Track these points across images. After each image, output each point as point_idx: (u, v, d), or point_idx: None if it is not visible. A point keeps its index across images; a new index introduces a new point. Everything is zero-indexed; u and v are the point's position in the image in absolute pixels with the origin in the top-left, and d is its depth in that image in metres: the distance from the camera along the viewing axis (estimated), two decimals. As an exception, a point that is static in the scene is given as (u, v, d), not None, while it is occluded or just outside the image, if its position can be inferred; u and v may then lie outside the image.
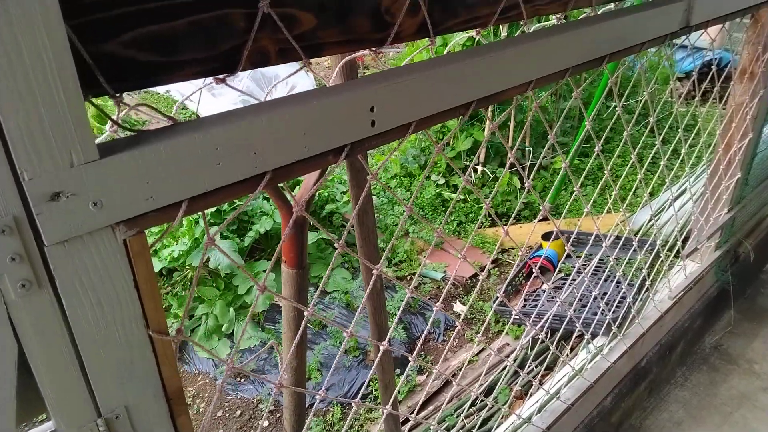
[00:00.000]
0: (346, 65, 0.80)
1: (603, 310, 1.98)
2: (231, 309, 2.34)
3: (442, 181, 3.39)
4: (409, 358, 0.99)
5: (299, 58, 0.62)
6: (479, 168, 3.41)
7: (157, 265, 2.42)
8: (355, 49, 0.72)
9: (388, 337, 1.04)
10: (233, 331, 2.34)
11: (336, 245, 0.70)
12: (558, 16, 1.04)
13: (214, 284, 2.46)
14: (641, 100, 4.01)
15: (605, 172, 1.28)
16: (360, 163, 0.92)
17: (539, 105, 1.09)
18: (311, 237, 2.68)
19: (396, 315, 1.42)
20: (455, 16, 0.82)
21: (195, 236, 2.40)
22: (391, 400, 1.09)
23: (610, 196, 3.40)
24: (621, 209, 1.38)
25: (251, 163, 0.54)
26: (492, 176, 3.39)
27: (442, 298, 1.30)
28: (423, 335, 2.34)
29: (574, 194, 3.10)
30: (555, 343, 2.12)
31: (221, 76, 0.57)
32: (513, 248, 3.07)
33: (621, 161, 3.92)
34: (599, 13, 1.04)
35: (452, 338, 2.17)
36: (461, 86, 0.75)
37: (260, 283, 0.62)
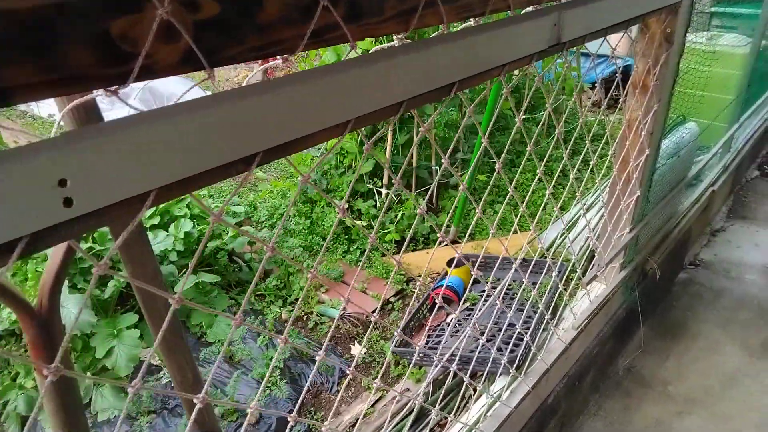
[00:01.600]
0: (77, 110, 0.63)
1: (503, 348, 1.89)
2: (88, 375, 2.07)
3: (345, 206, 3.25)
4: (288, 419, 0.83)
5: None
6: (383, 191, 3.30)
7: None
8: (74, 91, 0.54)
9: (205, 388, 0.87)
10: (91, 400, 2.06)
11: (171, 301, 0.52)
12: (399, 36, 0.92)
13: (71, 345, 2.17)
14: (545, 112, 4.08)
15: (509, 189, 1.18)
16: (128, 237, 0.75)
17: (438, 122, 0.96)
18: (191, 279, 2.45)
19: (271, 366, 1.24)
20: (240, 42, 0.66)
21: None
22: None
23: (518, 214, 3.39)
24: (531, 227, 1.30)
25: None
26: (398, 199, 3.29)
27: (325, 346, 1.14)
28: (307, 387, 2.16)
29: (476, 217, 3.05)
30: (462, 383, 2.00)
31: None
32: (420, 275, 2.96)
33: (531, 176, 3.95)
34: (448, 32, 0.93)
35: (343, 387, 2.00)
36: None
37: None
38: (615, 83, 1.97)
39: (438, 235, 3.09)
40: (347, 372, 2.26)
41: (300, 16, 0.71)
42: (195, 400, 0.67)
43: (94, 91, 0.61)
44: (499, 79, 1.03)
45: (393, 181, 3.28)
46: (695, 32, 3.89)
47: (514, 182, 1.40)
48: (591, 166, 2.50)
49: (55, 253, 0.73)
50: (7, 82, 0.48)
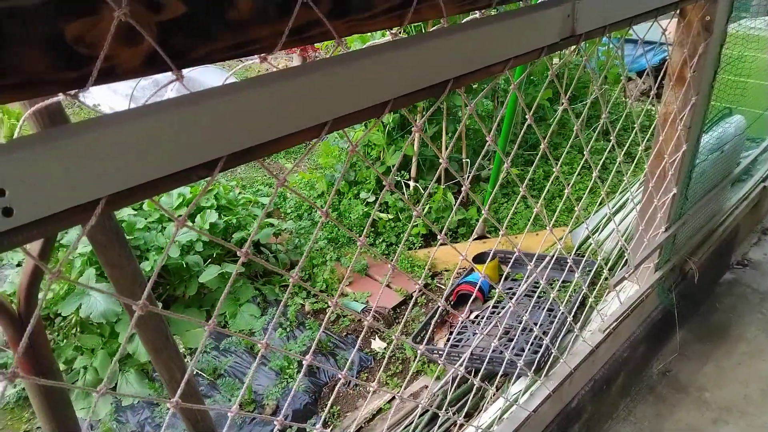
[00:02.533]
0: (39, 114, 0.63)
1: (525, 349, 1.85)
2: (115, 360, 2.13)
3: (372, 198, 3.24)
4: (275, 421, 0.83)
5: None
6: (411, 183, 3.27)
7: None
8: (30, 96, 0.54)
9: (180, 386, 0.88)
10: (116, 385, 2.14)
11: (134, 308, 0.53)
12: (393, 31, 0.89)
13: (98, 331, 2.25)
14: (588, 103, 3.95)
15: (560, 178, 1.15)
16: (101, 238, 0.76)
17: (475, 112, 0.94)
18: (215, 269, 2.49)
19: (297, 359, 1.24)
20: (211, 41, 0.65)
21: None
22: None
23: (555, 210, 3.30)
24: (570, 222, 1.26)
25: None
26: (426, 192, 3.26)
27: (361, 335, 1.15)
28: (332, 380, 2.16)
29: (510, 211, 2.99)
30: (480, 383, 1.98)
31: None
32: (447, 270, 2.93)
33: (569, 169, 3.84)
34: (441, 27, 0.89)
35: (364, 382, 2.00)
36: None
37: None
38: (663, 71, 1.88)
39: (476, 224, 3.05)
40: (371, 365, 2.25)
41: (277, 12, 0.70)
42: (168, 405, 0.67)
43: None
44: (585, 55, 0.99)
45: (417, 174, 3.25)
46: (754, 17, 3.69)
47: (553, 174, 1.35)
48: (635, 159, 2.40)
49: (31, 252, 0.75)
50: (-46, 88, 0.49)
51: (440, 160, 0.92)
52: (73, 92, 0.58)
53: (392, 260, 2.95)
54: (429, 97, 0.88)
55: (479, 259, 2.74)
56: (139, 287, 0.88)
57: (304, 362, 0.81)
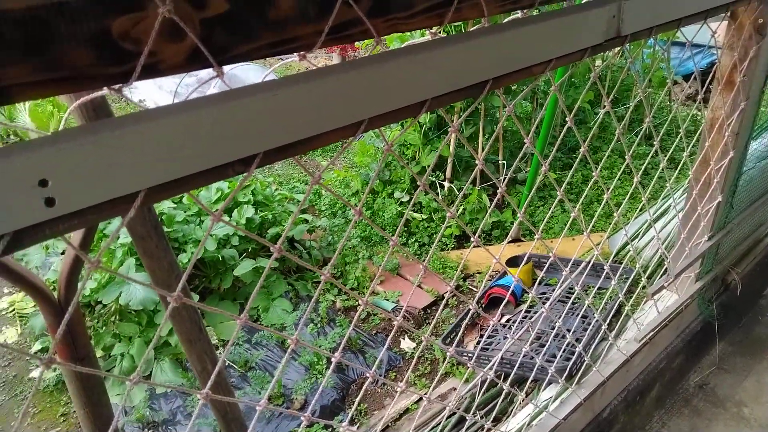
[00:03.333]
0: (84, 108, 0.65)
1: (556, 355, 1.81)
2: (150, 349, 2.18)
3: (406, 198, 3.23)
4: (302, 416, 0.84)
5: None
6: (446, 184, 3.25)
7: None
8: (74, 90, 0.56)
9: (211, 378, 0.89)
10: (151, 372, 2.19)
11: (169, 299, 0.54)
12: (433, 30, 0.89)
13: (136, 319, 2.31)
14: (631, 106, 3.85)
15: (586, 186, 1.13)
16: (140, 230, 0.77)
17: (513, 113, 0.94)
18: (250, 263, 2.52)
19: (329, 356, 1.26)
20: (252, 39, 0.66)
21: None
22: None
23: (592, 215, 3.23)
24: (609, 228, 1.24)
25: None
26: (460, 193, 3.23)
27: (390, 334, 1.15)
28: (363, 378, 2.16)
29: (546, 214, 2.94)
30: (510, 388, 1.96)
31: None
32: (480, 272, 2.90)
33: (608, 173, 3.75)
34: (482, 27, 0.88)
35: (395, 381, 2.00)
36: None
37: None
38: (711, 75, 1.82)
39: (510, 227, 3.01)
40: (400, 364, 2.25)
41: (317, 11, 0.70)
42: (199, 396, 0.68)
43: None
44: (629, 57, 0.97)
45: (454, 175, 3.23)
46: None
47: (592, 179, 1.32)
48: (680, 165, 2.33)
49: (73, 242, 0.77)
50: (7, 81, 0.50)
51: (476, 162, 0.91)
52: (117, 87, 0.59)
53: (424, 260, 2.94)
54: (467, 97, 0.87)
55: (513, 262, 2.71)
56: (174, 279, 0.90)
57: (332, 359, 0.81)
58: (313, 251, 2.97)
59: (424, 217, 3.16)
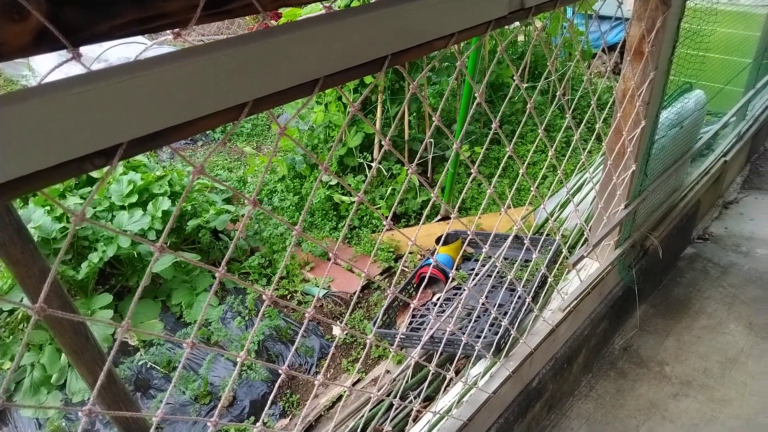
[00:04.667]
0: None
1: (488, 330, 1.85)
2: (62, 356, 2.07)
3: (334, 181, 3.19)
4: (208, 422, 0.79)
5: None
6: (374, 165, 3.23)
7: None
8: None
9: (94, 390, 0.84)
10: (66, 381, 2.07)
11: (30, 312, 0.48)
12: (328, 5, 0.85)
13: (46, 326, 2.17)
14: (553, 80, 3.94)
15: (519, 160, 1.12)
16: (3, 236, 0.71)
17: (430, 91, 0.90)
18: (170, 258, 2.42)
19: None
20: (112, 16, 0.60)
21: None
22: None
23: (519, 188, 3.30)
24: (527, 202, 1.24)
25: None
26: (389, 173, 3.22)
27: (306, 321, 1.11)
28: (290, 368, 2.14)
29: (468, 186, 2.97)
30: (437, 368, 1.98)
31: None
32: (411, 253, 2.92)
33: (531, 147, 3.84)
34: None
35: (324, 369, 1.98)
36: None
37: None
38: (621, 46, 1.87)
39: (440, 206, 3.04)
40: (332, 352, 2.23)
41: (189, -17, 0.65)
42: (80, 414, 0.63)
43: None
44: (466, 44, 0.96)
45: (382, 153, 3.21)
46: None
47: (506, 155, 1.33)
48: (594, 136, 2.41)
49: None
50: None
51: (404, 141, 0.89)
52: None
53: (356, 244, 2.92)
54: (365, 74, 0.84)
55: (446, 240, 2.73)
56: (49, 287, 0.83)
57: (238, 360, 0.78)
58: (239, 242, 2.89)
59: (354, 199, 3.13)
